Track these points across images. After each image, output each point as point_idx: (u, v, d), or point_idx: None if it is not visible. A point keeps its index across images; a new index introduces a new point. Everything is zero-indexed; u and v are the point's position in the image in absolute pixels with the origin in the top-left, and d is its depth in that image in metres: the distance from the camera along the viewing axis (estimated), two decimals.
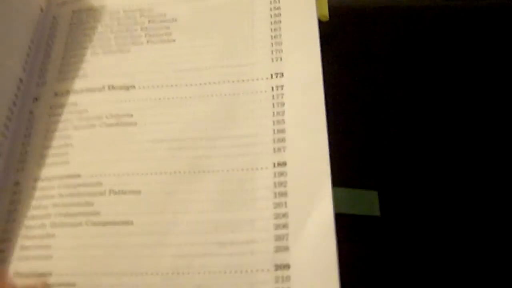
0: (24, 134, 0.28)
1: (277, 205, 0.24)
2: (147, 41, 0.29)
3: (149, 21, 0.30)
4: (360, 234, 0.23)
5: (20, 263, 0.25)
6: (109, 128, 0.27)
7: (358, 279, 0.23)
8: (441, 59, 0.39)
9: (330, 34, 0.27)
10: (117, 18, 0.31)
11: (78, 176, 0.27)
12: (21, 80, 0.29)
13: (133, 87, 0.28)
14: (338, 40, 0.29)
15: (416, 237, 0.32)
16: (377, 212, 0.31)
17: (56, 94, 0.29)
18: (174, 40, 0.29)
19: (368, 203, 0.31)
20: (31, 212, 0.26)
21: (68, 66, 0.30)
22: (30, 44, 0.30)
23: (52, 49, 0.31)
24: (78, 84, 0.29)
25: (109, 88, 0.29)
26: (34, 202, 0.26)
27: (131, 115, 0.28)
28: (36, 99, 0.29)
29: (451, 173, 0.35)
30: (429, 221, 0.33)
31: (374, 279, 0.30)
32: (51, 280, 0.24)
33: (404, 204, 0.33)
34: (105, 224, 0.25)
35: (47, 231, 0.25)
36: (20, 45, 0.30)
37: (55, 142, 0.28)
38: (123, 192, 0.26)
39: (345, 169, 0.25)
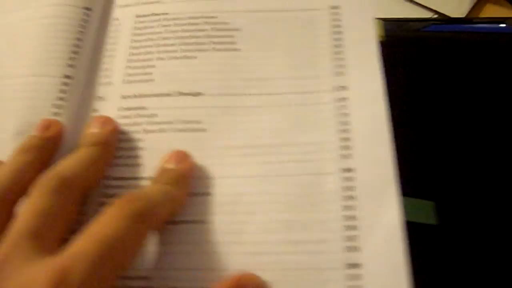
0: None
1: (346, 208, 0.26)
2: (212, 49, 0.31)
3: (212, 29, 0.32)
4: (417, 241, 0.25)
5: None
6: (179, 133, 0.29)
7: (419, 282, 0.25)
8: (501, 76, 0.41)
9: (386, 52, 0.29)
10: (181, 24, 0.32)
11: (151, 179, 0.28)
12: (67, 77, 0.30)
13: (201, 94, 0.30)
14: (393, 57, 0.31)
15: (475, 247, 0.34)
16: (434, 221, 0.33)
17: (123, 97, 0.30)
18: (239, 49, 0.31)
19: (424, 212, 0.33)
20: None
21: (134, 70, 0.31)
22: (77, 42, 0.31)
23: (116, 50, 0.32)
24: (146, 88, 0.30)
25: (177, 94, 0.30)
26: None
27: (200, 122, 0.29)
28: (101, 98, 0.30)
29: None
30: (487, 231, 0.35)
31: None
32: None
33: (461, 213, 0.35)
34: (177, 223, 0.27)
35: None
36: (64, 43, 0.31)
37: (126, 144, 0.29)
38: (195, 194, 0.27)
39: (404, 179, 0.26)
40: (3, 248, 0.21)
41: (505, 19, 0.31)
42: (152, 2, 0.33)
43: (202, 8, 0.33)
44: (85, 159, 0.25)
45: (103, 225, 0.21)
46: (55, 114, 0.29)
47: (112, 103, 0.30)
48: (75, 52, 0.31)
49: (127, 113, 0.29)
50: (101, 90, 0.31)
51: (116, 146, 0.28)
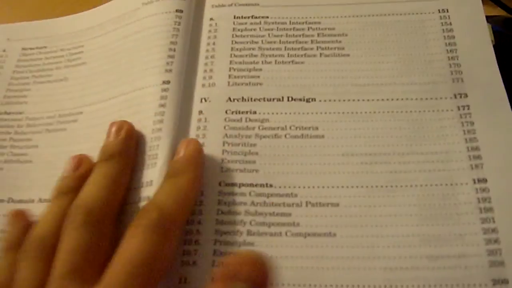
0: (196, 134, 0.28)
1: (485, 220, 0.25)
2: (320, 54, 0.30)
3: (318, 34, 0.30)
4: None
5: None
6: (295, 139, 0.27)
7: None
8: None
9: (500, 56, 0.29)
10: (285, 29, 0.31)
11: (270, 185, 0.26)
12: (166, 82, 0.29)
13: (314, 99, 0.28)
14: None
15: None
16: None
17: (230, 99, 0.28)
18: (348, 55, 0.30)
19: None
20: (224, 217, 0.25)
21: (239, 72, 0.29)
22: (172, 46, 0.30)
23: (215, 51, 0.30)
24: (254, 92, 0.29)
25: (288, 99, 0.28)
26: (225, 208, 0.26)
27: (317, 128, 0.28)
28: (205, 99, 0.29)
29: None
30: None
31: None
32: None
33: None
34: (306, 235, 0.25)
35: (244, 239, 0.25)
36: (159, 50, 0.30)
37: (238, 149, 0.27)
38: (321, 204, 0.26)
39: None
40: None
41: (488, 18, 0.31)
42: (250, 4, 0.32)
43: (304, 13, 0.31)
44: (104, 180, 0.25)
45: (127, 246, 0.22)
46: (159, 121, 0.27)
47: (217, 104, 0.28)
48: (171, 57, 0.30)
49: (237, 116, 0.28)
50: (204, 92, 0.29)
51: (133, 152, 0.27)
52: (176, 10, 0.31)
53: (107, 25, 0.34)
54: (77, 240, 0.23)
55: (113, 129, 0.27)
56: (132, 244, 0.22)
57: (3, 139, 0.31)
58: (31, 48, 0.35)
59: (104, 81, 0.31)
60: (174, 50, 0.30)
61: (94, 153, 0.27)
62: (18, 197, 0.28)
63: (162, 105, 0.28)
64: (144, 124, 0.28)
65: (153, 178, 0.26)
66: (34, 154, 0.30)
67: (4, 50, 0.35)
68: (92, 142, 0.28)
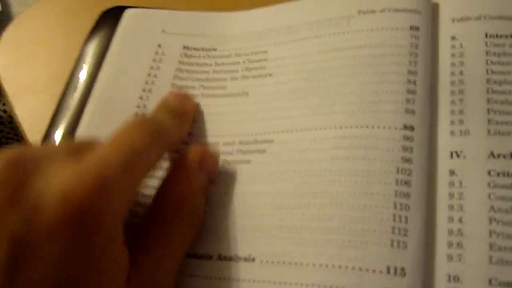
0: (448, 205, 0.21)
1: None
2: None
3: None
4: None
5: None
6: None
7: None
8: None
9: None
10: None
11: None
12: (409, 127, 0.22)
13: None
14: None
15: None
16: None
17: (493, 155, 0.21)
18: None
19: None
20: None
21: (507, 116, 0.22)
22: (411, 77, 0.23)
23: (465, 84, 0.23)
24: None
25: None
26: None
27: None
28: (457, 154, 0.21)
29: None
30: None
31: None
32: None
33: None
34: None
35: None
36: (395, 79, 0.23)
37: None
38: None
39: None
40: None
41: None
42: (505, 17, 0.23)
43: None
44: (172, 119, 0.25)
45: (128, 137, 0.22)
46: (403, 182, 0.21)
47: (475, 163, 0.21)
48: (411, 92, 0.23)
49: (505, 180, 0.20)
50: (454, 143, 0.22)
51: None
52: (411, 27, 0.24)
53: (299, 30, 0.27)
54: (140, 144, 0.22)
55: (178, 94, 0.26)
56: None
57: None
58: (195, 49, 0.29)
59: (303, 104, 0.25)
60: (415, 83, 0.23)
61: (285, 200, 0.22)
62: (191, 250, 0.23)
63: (407, 160, 0.21)
64: (379, 179, 0.21)
65: (404, 265, 0.20)
66: (211, 192, 0.24)
67: (159, 46, 0.29)
68: (284, 183, 0.23)
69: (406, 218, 0.20)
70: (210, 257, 0.22)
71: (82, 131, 0.26)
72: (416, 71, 0.23)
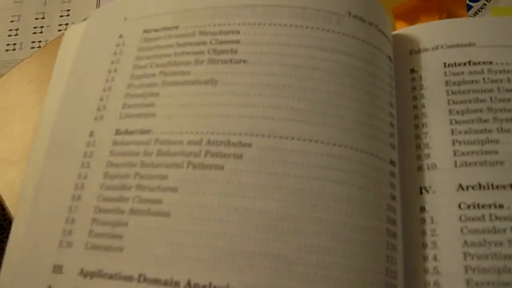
0: (422, 243, 0.20)
1: None
2: None
3: None
4: None
5: None
6: None
7: None
8: None
9: None
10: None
11: None
12: (392, 163, 0.21)
13: None
14: None
15: None
16: None
17: (462, 187, 0.21)
18: None
19: None
20: None
21: (468, 146, 0.21)
22: (391, 109, 0.23)
23: (428, 117, 0.23)
24: (494, 174, 0.21)
25: None
26: None
27: None
28: (426, 189, 0.21)
29: None
30: None
31: None
32: None
33: None
34: None
35: None
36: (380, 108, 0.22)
37: (489, 264, 0.20)
38: None
39: None
40: None
41: None
42: (463, 45, 0.24)
43: None
44: None
45: None
46: (392, 221, 0.20)
47: (445, 197, 0.21)
48: (392, 125, 0.22)
49: (476, 213, 0.20)
50: (423, 178, 0.22)
51: None
52: (389, 57, 0.24)
53: (280, 13, 0.24)
54: None
55: None
56: None
57: (126, 175, 0.21)
58: (155, 30, 0.25)
59: (288, 104, 0.21)
60: (394, 116, 0.22)
61: (270, 221, 0.19)
62: (152, 274, 0.19)
63: (393, 198, 0.21)
64: (374, 213, 0.20)
65: None
66: (173, 202, 0.21)
67: (120, 36, 0.26)
68: (266, 200, 0.20)
69: (395, 260, 0.20)
70: (177, 284, 0.19)
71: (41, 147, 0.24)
72: (394, 104, 0.23)
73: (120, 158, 0.22)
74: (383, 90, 0.23)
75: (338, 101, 0.22)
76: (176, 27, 0.25)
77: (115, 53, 0.25)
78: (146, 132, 0.22)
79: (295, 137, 0.21)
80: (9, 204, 0.29)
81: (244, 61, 0.23)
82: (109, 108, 0.24)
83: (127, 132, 0.23)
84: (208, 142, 0.21)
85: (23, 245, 0.22)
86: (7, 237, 0.25)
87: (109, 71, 0.25)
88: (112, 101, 0.24)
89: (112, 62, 0.25)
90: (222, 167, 0.21)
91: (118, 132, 0.23)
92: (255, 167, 0.20)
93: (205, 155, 0.21)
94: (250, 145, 0.21)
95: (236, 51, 0.23)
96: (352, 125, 0.21)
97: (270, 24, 0.23)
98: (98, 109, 0.24)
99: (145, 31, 0.25)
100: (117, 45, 0.25)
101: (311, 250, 0.19)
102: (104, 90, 0.24)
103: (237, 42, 0.23)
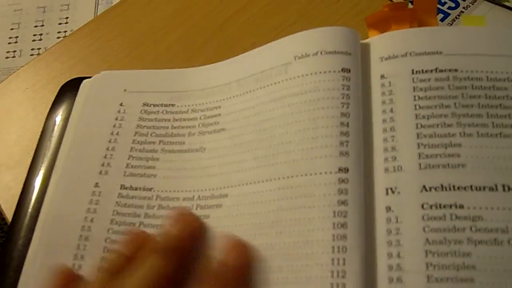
0: (387, 242, 0.22)
1: None
2: None
3: None
4: None
5: None
6: None
7: None
8: None
9: None
10: (482, 87, 0.23)
11: None
12: (343, 170, 0.23)
13: None
14: None
15: None
16: None
17: (425, 188, 0.22)
18: None
19: None
20: None
21: (431, 150, 0.22)
22: (343, 119, 0.24)
23: (395, 121, 0.24)
24: (456, 177, 0.22)
25: (504, 187, 0.21)
26: None
27: None
28: (391, 190, 0.22)
29: None
30: None
31: None
32: None
33: None
34: None
35: None
36: (327, 124, 0.24)
37: (449, 260, 0.21)
38: None
39: None
40: None
41: None
42: (431, 53, 0.25)
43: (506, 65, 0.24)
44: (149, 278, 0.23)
45: None
46: (340, 225, 0.22)
47: (409, 197, 0.22)
48: (344, 134, 0.24)
49: (437, 212, 0.22)
50: (388, 179, 0.23)
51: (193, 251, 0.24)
52: (343, 69, 0.25)
53: (248, 82, 0.28)
54: None
55: (174, 216, 0.25)
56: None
57: (132, 223, 0.26)
58: (155, 105, 0.30)
59: (252, 156, 0.26)
60: (347, 125, 0.24)
61: None
62: None
63: (342, 202, 0.23)
64: (318, 225, 0.22)
65: None
66: None
67: (121, 104, 0.30)
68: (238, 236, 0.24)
69: (344, 260, 0.21)
70: None
71: (49, 199, 0.27)
72: (348, 113, 0.24)
73: (125, 208, 0.27)
74: (330, 107, 0.25)
75: (285, 139, 0.26)
76: (173, 105, 0.30)
77: (116, 119, 0.30)
78: (149, 189, 0.27)
79: (255, 181, 0.25)
80: (5, 207, 0.31)
81: (223, 129, 0.28)
82: (113, 165, 0.28)
83: (131, 188, 0.27)
84: (199, 197, 0.27)
85: None
86: (5, 238, 0.27)
87: (112, 133, 0.29)
88: (116, 161, 0.28)
89: (114, 126, 0.30)
90: (208, 216, 0.26)
91: (123, 187, 0.27)
92: (230, 212, 0.25)
93: (196, 208, 0.26)
94: (226, 195, 0.26)
95: (218, 123, 0.29)
96: (295, 155, 0.25)
97: (240, 95, 0.29)
98: (102, 164, 0.28)
99: (144, 104, 0.30)
100: (119, 111, 0.30)
101: (268, 271, 0.23)
102: (107, 149, 0.29)
103: (219, 115, 0.29)
